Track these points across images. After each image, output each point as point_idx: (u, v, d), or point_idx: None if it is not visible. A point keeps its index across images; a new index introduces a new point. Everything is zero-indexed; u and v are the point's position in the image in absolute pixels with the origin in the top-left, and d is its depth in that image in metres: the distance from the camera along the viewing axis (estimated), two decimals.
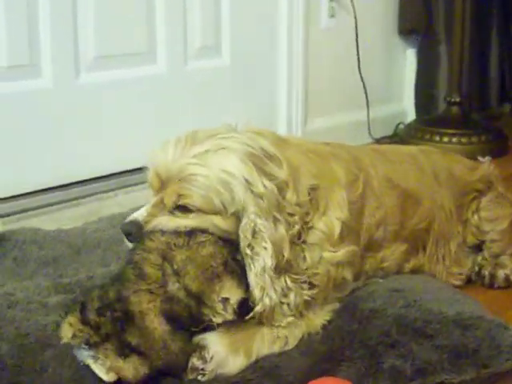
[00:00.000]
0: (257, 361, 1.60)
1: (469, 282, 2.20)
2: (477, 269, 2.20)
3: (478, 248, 2.20)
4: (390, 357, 1.60)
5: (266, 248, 1.62)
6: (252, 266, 1.63)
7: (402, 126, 3.83)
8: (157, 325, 1.50)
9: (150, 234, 1.62)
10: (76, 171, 2.77)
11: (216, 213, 1.64)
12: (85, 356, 1.50)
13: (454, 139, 3.55)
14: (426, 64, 3.91)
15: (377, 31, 3.78)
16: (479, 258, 2.19)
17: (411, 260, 2.02)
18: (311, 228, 1.73)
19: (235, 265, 1.60)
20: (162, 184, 1.66)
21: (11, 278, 1.97)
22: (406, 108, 3.98)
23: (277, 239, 1.63)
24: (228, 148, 1.65)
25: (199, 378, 1.56)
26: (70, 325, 1.48)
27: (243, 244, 1.63)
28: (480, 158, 2.30)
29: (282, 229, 1.65)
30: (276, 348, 1.66)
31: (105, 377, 1.48)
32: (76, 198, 2.70)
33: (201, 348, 1.57)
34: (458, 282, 2.14)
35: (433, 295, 1.80)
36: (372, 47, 3.73)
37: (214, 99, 3.11)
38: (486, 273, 2.18)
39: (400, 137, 3.72)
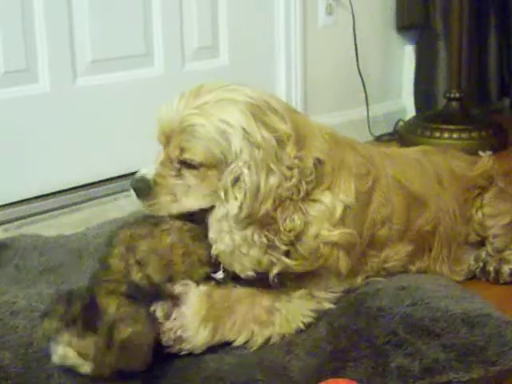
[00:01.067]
0: (263, 360, 1.60)
1: (474, 278, 2.19)
2: (481, 265, 2.19)
3: (480, 243, 2.19)
4: (398, 356, 1.60)
5: (236, 199, 1.63)
6: (217, 210, 1.66)
7: (401, 123, 3.81)
8: (116, 300, 1.51)
9: (116, 231, 1.67)
10: (75, 176, 2.76)
11: (216, 165, 1.66)
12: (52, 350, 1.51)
13: (455, 135, 3.53)
14: (425, 60, 3.89)
15: (375, 27, 3.76)
16: (483, 254, 2.18)
17: (416, 262, 2.01)
18: (314, 201, 1.72)
19: (196, 252, 1.64)
20: (167, 139, 1.70)
21: (13, 286, 1.95)
22: (406, 104, 3.96)
23: (262, 189, 1.63)
24: (229, 99, 1.67)
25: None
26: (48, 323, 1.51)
27: (221, 186, 1.65)
28: (481, 153, 2.30)
29: (273, 180, 1.64)
30: (241, 339, 1.66)
31: (56, 352, 1.49)
32: (76, 203, 2.69)
33: (173, 301, 1.58)
34: (459, 278, 2.12)
35: (440, 293, 1.79)
36: (370, 44, 3.72)
37: None
38: (491, 269, 2.17)
39: (400, 134, 3.70)
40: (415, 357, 1.59)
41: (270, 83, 3.32)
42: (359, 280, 1.87)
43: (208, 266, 1.65)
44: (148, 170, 1.72)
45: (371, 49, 3.73)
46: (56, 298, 1.55)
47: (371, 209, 1.87)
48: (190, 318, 1.60)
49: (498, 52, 4.18)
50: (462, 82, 3.67)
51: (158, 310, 1.58)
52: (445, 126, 3.56)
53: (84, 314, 1.50)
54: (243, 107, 1.66)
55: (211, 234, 1.67)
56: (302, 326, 1.72)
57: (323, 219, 1.73)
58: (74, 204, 2.67)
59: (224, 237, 1.66)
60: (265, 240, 1.65)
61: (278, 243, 1.67)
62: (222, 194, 1.65)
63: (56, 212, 2.62)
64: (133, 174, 2.78)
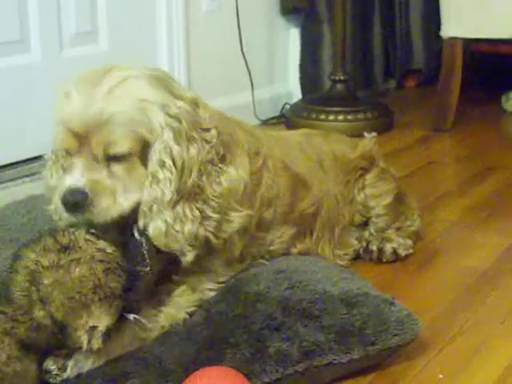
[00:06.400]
0: (136, 352, 1.55)
1: (357, 258, 2.20)
2: (364, 244, 2.20)
3: (365, 224, 2.20)
4: (276, 340, 1.57)
5: (165, 179, 1.57)
6: (145, 195, 1.58)
7: (288, 107, 3.81)
8: (8, 351, 1.42)
9: (19, 251, 1.52)
10: None
11: (142, 148, 1.58)
12: None
13: (340, 117, 3.55)
14: (310, 43, 3.89)
15: (259, 12, 3.74)
16: (366, 234, 2.19)
17: (298, 245, 1.98)
18: (223, 172, 1.68)
19: (109, 286, 1.48)
20: (80, 139, 1.56)
21: None
22: (292, 88, 3.95)
23: (186, 161, 1.59)
24: (133, 76, 1.59)
25: (50, 380, 1.49)
26: None
27: (151, 167, 1.58)
28: (366, 134, 2.30)
29: (193, 150, 1.60)
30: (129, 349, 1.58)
31: None
32: None
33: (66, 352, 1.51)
34: (343, 262, 2.11)
35: (318, 275, 1.77)
36: (255, 28, 3.70)
37: None
38: (374, 248, 2.19)
39: (286, 117, 3.70)
40: (294, 340, 1.57)
41: None
42: (245, 264, 1.83)
43: (121, 300, 1.51)
44: (74, 180, 1.56)
45: (256, 33, 3.71)
46: None
47: (261, 190, 1.83)
48: (86, 362, 1.51)
49: (382, 34, 4.23)
50: (346, 65, 3.70)
51: (51, 364, 1.49)
52: (330, 109, 3.58)
53: None
54: (151, 81, 1.60)
55: (142, 220, 1.59)
56: (186, 316, 1.67)
57: (231, 194, 1.69)
58: None
59: (156, 220, 1.58)
60: (197, 212, 1.61)
61: (209, 212, 1.63)
62: (150, 178, 1.58)
63: None
64: (9, 165, 2.76)
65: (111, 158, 1.57)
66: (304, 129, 2.41)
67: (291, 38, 3.95)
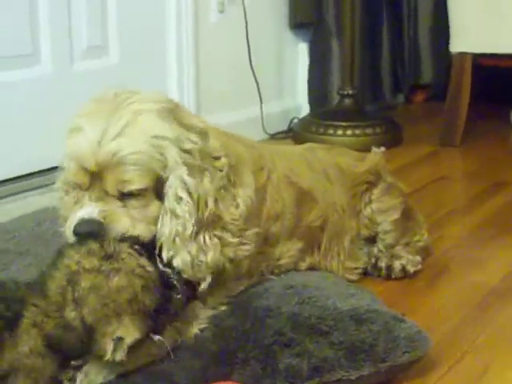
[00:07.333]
0: (147, 366, 1.54)
1: (366, 274, 2.19)
2: (373, 261, 2.19)
3: (373, 240, 2.18)
4: (286, 356, 1.57)
5: (184, 213, 1.58)
6: (165, 228, 1.59)
7: (296, 121, 3.82)
8: (32, 344, 1.43)
9: (63, 249, 1.53)
10: None
11: (158, 183, 1.59)
12: None
13: (349, 131, 3.55)
14: (319, 57, 3.91)
15: (268, 26, 3.76)
16: (375, 250, 2.18)
17: (307, 259, 1.98)
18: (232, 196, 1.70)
19: (143, 302, 1.49)
20: (92, 176, 1.57)
21: None
22: (300, 102, 3.97)
23: (201, 193, 1.60)
24: (145, 111, 1.59)
25: None
26: None
27: (168, 202, 1.59)
28: (374, 149, 2.29)
29: (206, 180, 1.62)
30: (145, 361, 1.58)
31: None
32: None
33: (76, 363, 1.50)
34: (353, 277, 2.11)
35: (327, 291, 1.77)
36: (263, 42, 3.71)
37: None
38: (383, 264, 2.17)
39: (295, 131, 3.70)
40: (303, 356, 1.57)
41: (161, 81, 3.28)
42: (254, 279, 1.83)
43: (151, 320, 1.51)
44: (87, 212, 1.57)
45: (265, 46, 3.73)
46: None
47: (267, 205, 1.84)
48: (97, 376, 1.50)
49: (391, 49, 4.24)
50: (355, 79, 3.70)
51: (61, 374, 1.49)
52: (338, 123, 3.58)
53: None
54: (162, 114, 1.61)
55: (166, 253, 1.59)
56: (197, 331, 1.66)
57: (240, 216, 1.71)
58: None
59: (181, 252, 1.59)
60: (216, 240, 1.63)
61: (229, 238, 1.65)
62: (169, 213, 1.59)
63: None
64: (19, 177, 2.76)
65: (125, 194, 1.59)
66: (309, 143, 2.41)
67: (300, 52, 3.97)
